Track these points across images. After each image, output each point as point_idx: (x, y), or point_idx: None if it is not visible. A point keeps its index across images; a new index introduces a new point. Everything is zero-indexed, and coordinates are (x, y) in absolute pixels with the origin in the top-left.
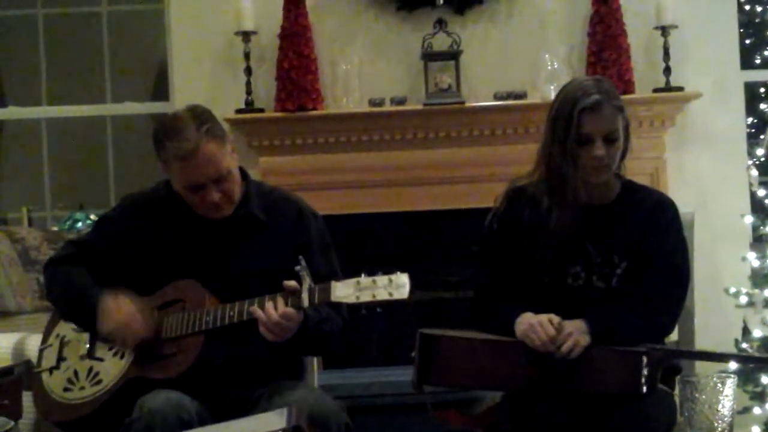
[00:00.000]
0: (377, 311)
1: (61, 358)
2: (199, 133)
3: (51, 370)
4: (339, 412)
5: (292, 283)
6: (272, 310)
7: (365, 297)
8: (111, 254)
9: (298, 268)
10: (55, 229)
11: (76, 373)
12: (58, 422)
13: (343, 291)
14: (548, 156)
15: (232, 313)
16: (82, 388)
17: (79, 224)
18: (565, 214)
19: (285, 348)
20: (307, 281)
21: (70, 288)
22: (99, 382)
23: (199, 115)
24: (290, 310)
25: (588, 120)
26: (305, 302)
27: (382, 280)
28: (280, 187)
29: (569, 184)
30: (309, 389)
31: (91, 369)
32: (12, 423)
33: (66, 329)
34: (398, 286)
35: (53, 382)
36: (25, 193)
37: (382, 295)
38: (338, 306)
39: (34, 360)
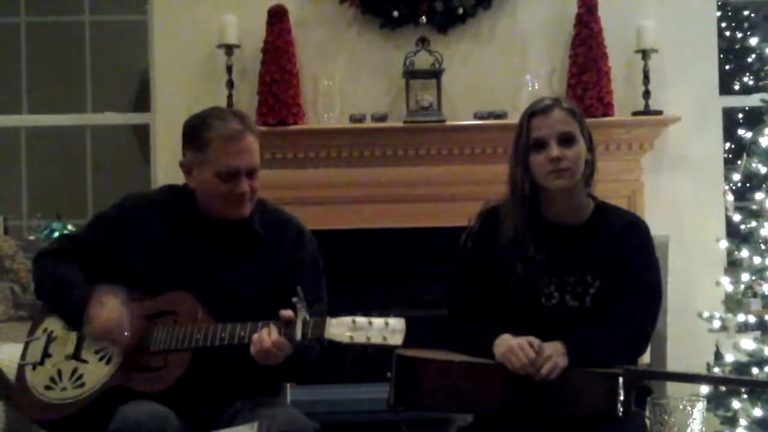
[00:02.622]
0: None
1: (46, 354)
2: (243, 123)
3: (35, 366)
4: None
5: (289, 313)
6: (266, 336)
7: (359, 338)
8: (105, 254)
9: (295, 299)
10: (32, 238)
11: (59, 372)
12: (36, 420)
13: (338, 329)
14: (509, 171)
15: (223, 335)
16: (64, 389)
17: (56, 234)
18: (523, 230)
19: (265, 369)
20: (302, 313)
21: (60, 284)
22: (82, 385)
23: (240, 113)
24: (283, 340)
25: (539, 123)
26: (298, 335)
27: (378, 322)
28: (282, 208)
29: (519, 190)
30: (284, 407)
31: (75, 370)
32: None
33: (54, 325)
34: (394, 331)
35: (36, 379)
36: (2, 202)
37: (377, 339)
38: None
39: (6, 369)
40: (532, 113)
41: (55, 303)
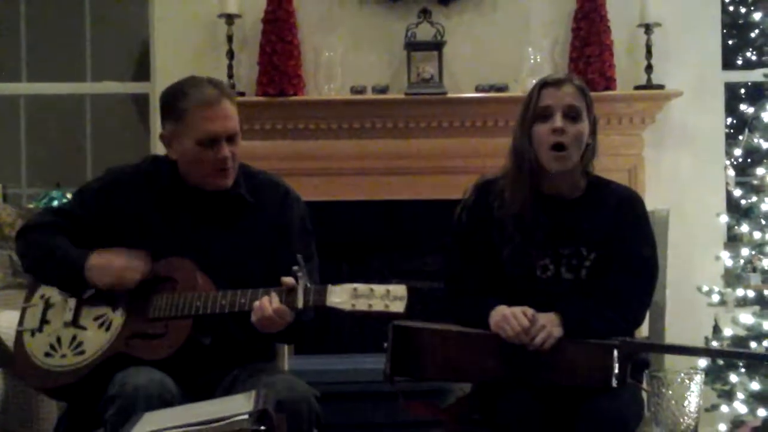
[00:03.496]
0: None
1: (44, 321)
2: (219, 90)
3: (33, 332)
4: (311, 400)
5: (290, 280)
6: (267, 304)
7: (361, 306)
8: (91, 226)
9: (295, 268)
10: (31, 206)
11: (58, 339)
12: (37, 387)
13: (339, 296)
14: (513, 141)
15: (224, 302)
16: (64, 355)
17: (55, 202)
18: (525, 201)
19: (264, 334)
20: (303, 281)
21: (52, 252)
22: (82, 352)
23: (215, 80)
24: (285, 307)
25: (548, 94)
26: (299, 303)
27: (379, 289)
28: (266, 171)
29: (524, 161)
30: (283, 374)
31: (74, 338)
32: None
33: (52, 291)
34: (395, 298)
35: (35, 345)
36: (1, 170)
37: (378, 306)
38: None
39: (5, 336)
40: (544, 84)
41: (50, 273)
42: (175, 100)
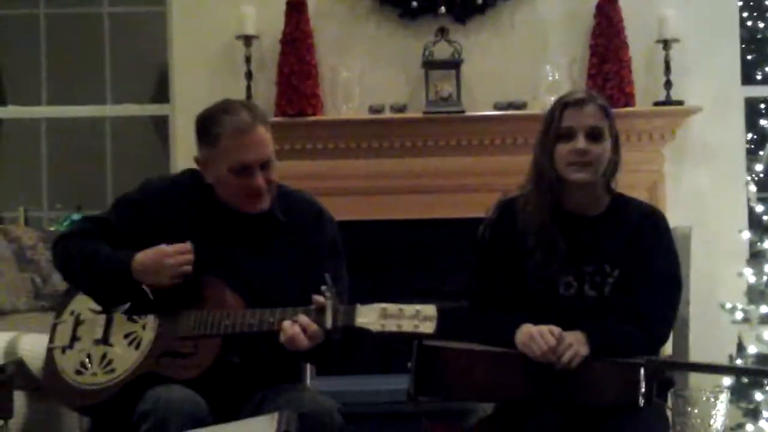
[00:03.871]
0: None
1: (75, 338)
2: (253, 115)
3: (64, 349)
4: (334, 413)
5: (321, 299)
6: (299, 328)
7: (390, 326)
8: (126, 237)
9: (324, 287)
10: (52, 229)
11: (89, 356)
12: (67, 405)
13: (368, 317)
14: (534, 159)
15: (253, 321)
16: (95, 374)
17: None
18: (545, 218)
19: (292, 354)
20: (331, 301)
21: (95, 256)
22: (112, 370)
23: (248, 103)
24: (316, 327)
25: (570, 114)
26: (328, 323)
27: (409, 310)
28: (302, 190)
29: (546, 180)
30: (306, 391)
31: (105, 355)
32: (1, 423)
33: (81, 307)
34: (425, 318)
35: (66, 363)
36: (23, 193)
37: (408, 327)
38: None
39: (28, 360)
40: (566, 104)
41: (93, 276)
42: (209, 125)
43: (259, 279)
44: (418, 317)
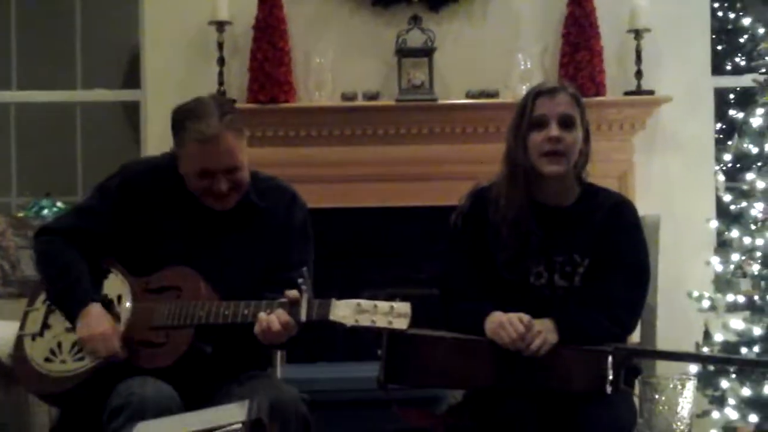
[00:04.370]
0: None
1: (45, 326)
2: (222, 123)
3: (34, 336)
4: (298, 403)
5: (294, 293)
6: (274, 319)
7: (364, 321)
8: (111, 223)
9: (300, 280)
10: (21, 215)
11: (59, 344)
12: (34, 392)
13: (343, 311)
14: (506, 150)
15: (227, 312)
16: (64, 361)
17: (45, 211)
18: (520, 209)
19: (265, 344)
20: (306, 294)
21: (65, 274)
22: (82, 358)
23: (223, 105)
24: (291, 321)
25: (543, 103)
26: (303, 316)
27: (383, 306)
28: (275, 177)
29: (519, 169)
30: (272, 380)
31: (75, 343)
32: None
33: None
34: (399, 315)
35: (35, 350)
36: None
37: (382, 322)
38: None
39: None
40: (538, 93)
41: (53, 289)
42: (177, 127)
43: (235, 261)
44: (392, 314)
